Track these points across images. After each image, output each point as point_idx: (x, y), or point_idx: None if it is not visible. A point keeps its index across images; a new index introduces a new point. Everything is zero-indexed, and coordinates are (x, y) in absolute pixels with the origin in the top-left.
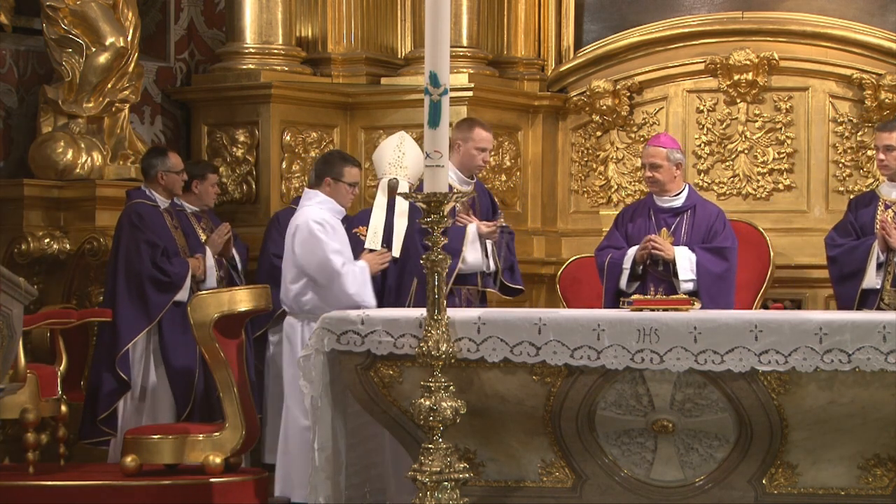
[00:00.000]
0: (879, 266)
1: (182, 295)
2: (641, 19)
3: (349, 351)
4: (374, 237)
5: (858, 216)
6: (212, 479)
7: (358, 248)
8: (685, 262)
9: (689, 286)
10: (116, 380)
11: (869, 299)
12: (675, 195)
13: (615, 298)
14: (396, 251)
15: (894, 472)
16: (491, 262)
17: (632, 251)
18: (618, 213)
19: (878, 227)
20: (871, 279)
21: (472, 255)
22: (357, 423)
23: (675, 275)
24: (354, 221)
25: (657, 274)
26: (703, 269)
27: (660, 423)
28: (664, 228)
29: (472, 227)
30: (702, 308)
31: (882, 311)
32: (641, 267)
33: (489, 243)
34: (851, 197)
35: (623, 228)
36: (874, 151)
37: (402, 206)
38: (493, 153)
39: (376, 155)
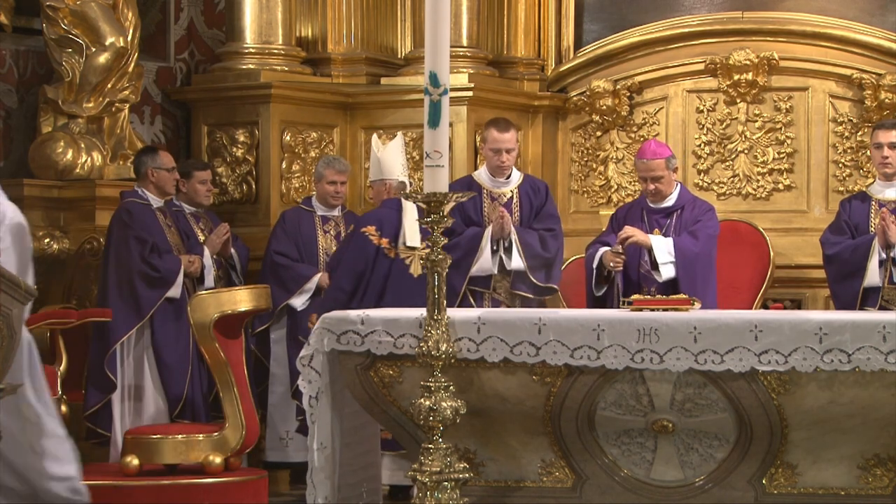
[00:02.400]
0: (880, 263)
1: (174, 291)
2: (641, 19)
3: (349, 351)
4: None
5: (852, 216)
6: (212, 479)
7: (368, 247)
8: (662, 245)
9: (670, 270)
10: (104, 379)
11: (870, 297)
12: (668, 196)
13: (593, 300)
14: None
15: (894, 472)
16: (520, 260)
17: (601, 251)
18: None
19: (877, 222)
20: (873, 277)
21: (483, 258)
22: (355, 422)
23: (654, 265)
24: (362, 221)
25: (649, 274)
26: (679, 251)
27: (660, 422)
28: (656, 229)
29: (489, 230)
30: (682, 290)
31: (884, 309)
32: (607, 271)
33: (514, 241)
34: (843, 197)
35: (618, 227)
36: (874, 149)
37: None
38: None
39: (387, 156)
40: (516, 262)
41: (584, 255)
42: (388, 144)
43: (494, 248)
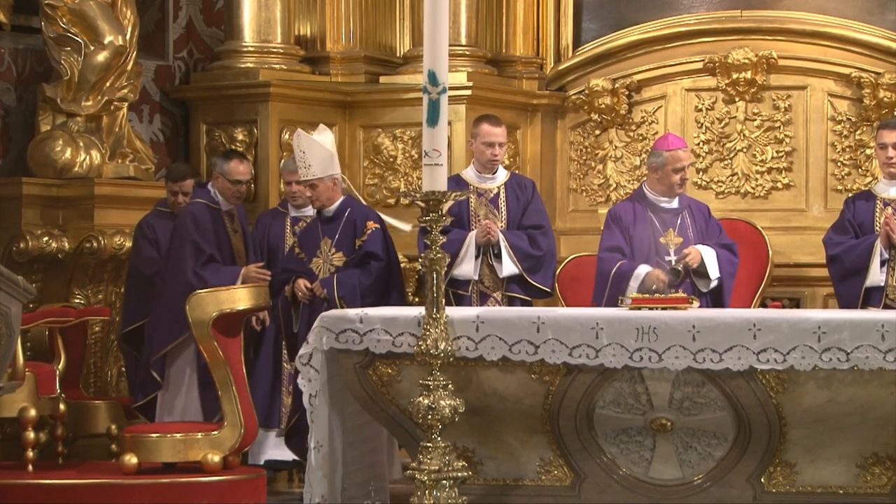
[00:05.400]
0: (882, 263)
1: None
2: (640, 18)
3: (348, 349)
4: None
5: (856, 214)
6: (210, 478)
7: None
8: (711, 261)
9: (715, 284)
10: (150, 379)
11: (874, 297)
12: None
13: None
14: None
15: (893, 471)
16: (512, 266)
17: (642, 270)
18: (608, 210)
19: (881, 224)
20: (875, 277)
21: (465, 263)
22: (358, 421)
23: (698, 274)
24: (374, 217)
25: (674, 277)
26: (723, 266)
27: (658, 421)
28: (670, 229)
29: (472, 234)
30: (724, 302)
31: (889, 308)
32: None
33: (504, 247)
34: (848, 196)
35: (624, 228)
36: (878, 149)
37: None
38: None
39: (325, 152)
40: (508, 268)
41: (582, 254)
42: (323, 138)
43: (477, 254)
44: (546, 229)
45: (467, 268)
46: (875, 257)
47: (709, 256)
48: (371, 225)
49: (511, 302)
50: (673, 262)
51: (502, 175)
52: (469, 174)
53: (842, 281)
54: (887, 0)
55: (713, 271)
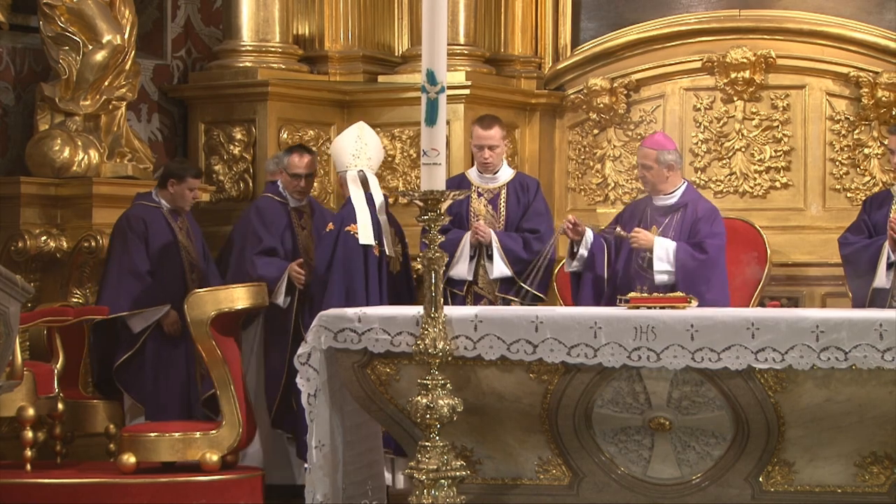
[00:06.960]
0: (890, 266)
1: (276, 298)
2: (639, 17)
3: (346, 349)
4: (365, 232)
5: (872, 215)
6: (208, 477)
7: (350, 245)
8: (661, 252)
9: (664, 278)
10: None
11: (878, 298)
12: (670, 194)
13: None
14: (388, 247)
15: (891, 470)
16: (504, 267)
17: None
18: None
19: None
20: (882, 279)
21: (460, 263)
22: (356, 420)
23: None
24: (337, 218)
25: (642, 272)
26: (679, 261)
27: (657, 420)
28: (654, 226)
29: (468, 236)
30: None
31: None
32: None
33: (496, 249)
34: (866, 196)
35: (623, 224)
36: (888, 153)
37: (379, 198)
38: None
39: (336, 148)
40: (499, 269)
41: None
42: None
43: (473, 254)
44: (542, 234)
45: (461, 268)
46: (882, 259)
47: (661, 247)
48: (329, 227)
49: (505, 304)
50: (618, 230)
51: (506, 175)
52: (473, 174)
53: (853, 281)
54: None
55: (659, 263)
